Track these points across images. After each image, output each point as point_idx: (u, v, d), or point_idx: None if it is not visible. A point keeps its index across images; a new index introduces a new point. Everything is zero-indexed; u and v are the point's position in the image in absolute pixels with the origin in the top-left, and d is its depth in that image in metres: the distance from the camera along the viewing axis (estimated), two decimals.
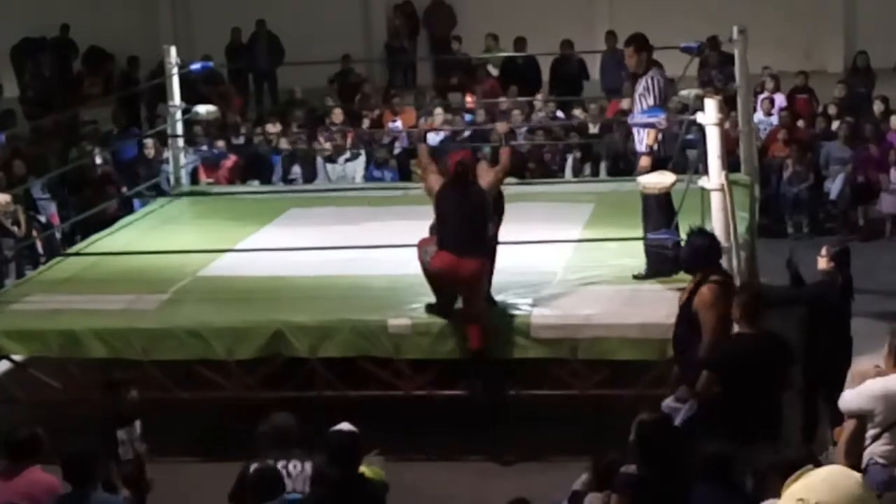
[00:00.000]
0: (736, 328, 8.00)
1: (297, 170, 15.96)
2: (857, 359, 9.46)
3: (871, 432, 7.21)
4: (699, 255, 8.35)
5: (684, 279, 9.73)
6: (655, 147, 9.88)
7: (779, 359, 7.83)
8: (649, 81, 9.88)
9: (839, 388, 9.17)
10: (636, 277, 10.05)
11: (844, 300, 9.31)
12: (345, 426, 6.73)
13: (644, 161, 9.94)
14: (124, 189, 14.99)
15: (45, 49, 21.60)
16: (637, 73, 10.11)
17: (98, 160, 15.63)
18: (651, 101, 9.84)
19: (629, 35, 10.31)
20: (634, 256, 10.17)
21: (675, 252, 9.88)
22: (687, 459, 6.63)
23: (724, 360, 7.80)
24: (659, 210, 9.91)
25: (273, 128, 17.05)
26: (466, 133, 16.37)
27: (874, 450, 7.19)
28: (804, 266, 9.64)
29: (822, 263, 9.30)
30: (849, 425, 7.34)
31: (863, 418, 7.23)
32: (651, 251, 10.00)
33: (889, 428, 7.12)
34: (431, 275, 9.42)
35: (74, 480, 6.69)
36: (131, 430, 8.10)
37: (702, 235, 8.54)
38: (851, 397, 7.33)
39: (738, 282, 9.38)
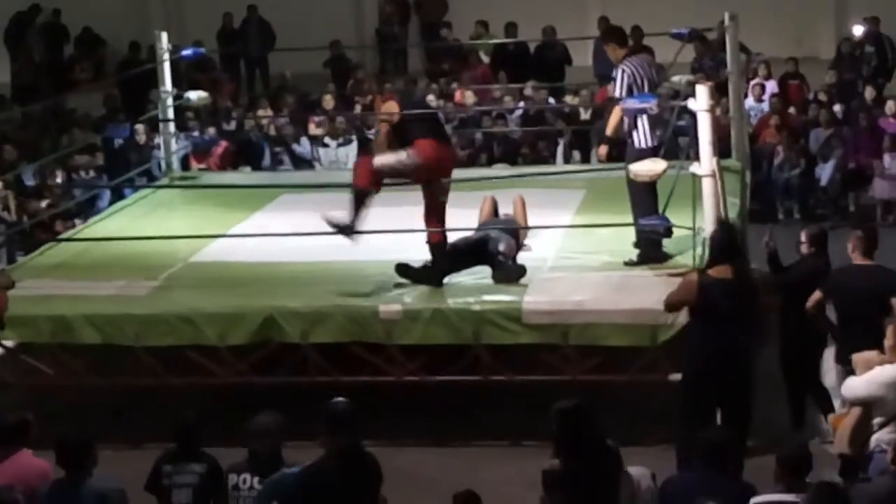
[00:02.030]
0: (856, 260, 8.80)
1: (285, 157, 16.00)
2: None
3: (877, 420, 7.22)
4: (713, 248, 8.64)
5: (676, 265, 9.80)
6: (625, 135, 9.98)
7: (887, 287, 8.52)
8: (617, 73, 9.91)
9: (817, 371, 9.29)
10: (627, 264, 10.07)
11: (823, 282, 9.38)
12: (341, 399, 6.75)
13: (602, 149, 10.23)
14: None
15: (36, 23, 21.48)
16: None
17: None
18: (617, 94, 9.88)
19: None
20: (625, 242, 10.19)
21: (666, 237, 9.96)
22: (606, 446, 6.52)
23: (836, 284, 8.73)
24: (647, 195, 9.95)
25: (265, 113, 17.05)
26: (456, 120, 16.42)
27: (881, 437, 7.21)
28: (783, 249, 9.75)
29: (804, 249, 9.39)
30: (854, 412, 7.34)
31: (869, 406, 7.25)
32: (643, 237, 10.03)
33: None
34: (416, 168, 9.60)
35: (68, 465, 6.70)
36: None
37: (720, 228, 8.79)
38: (860, 385, 7.34)
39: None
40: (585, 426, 6.52)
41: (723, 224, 8.81)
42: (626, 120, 10.01)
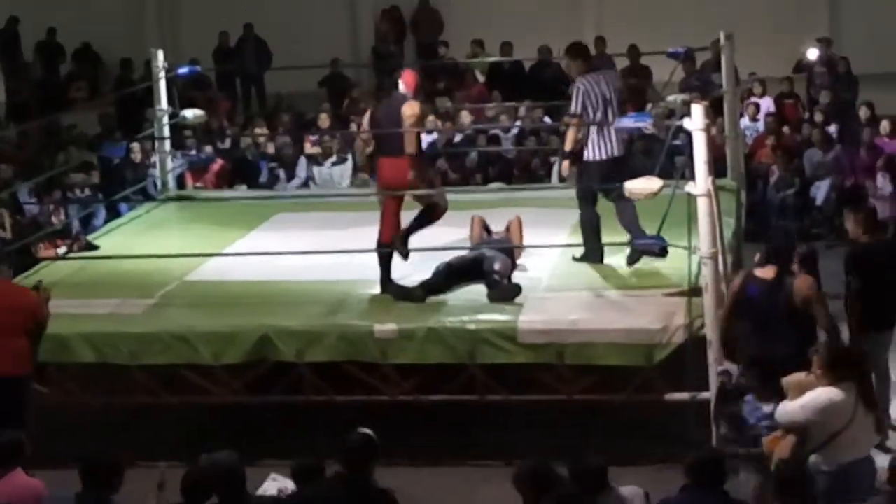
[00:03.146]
0: (862, 239, 9.40)
1: (281, 172, 16.04)
2: None
3: (816, 441, 7.26)
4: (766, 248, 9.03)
5: (671, 285, 9.80)
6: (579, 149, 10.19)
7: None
8: (573, 89, 10.19)
9: None
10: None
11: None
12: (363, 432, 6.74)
13: (565, 164, 10.43)
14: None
15: (21, 34, 21.50)
16: None
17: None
18: (573, 109, 10.11)
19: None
20: (620, 261, 10.20)
21: (662, 257, 9.97)
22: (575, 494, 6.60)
23: (858, 260, 9.22)
24: (633, 213, 10.04)
25: (261, 131, 17.08)
26: (457, 138, 16.45)
27: (818, 459, 7.24)
28: None
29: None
30: (791, 437, 7.38)
31: (803, 430, 7.30)
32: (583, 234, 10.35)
33: (833, 437, 7.19)
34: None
35: (96, 485, 6.66)
36: None
37: (774, 231, 9.14)
38: (796, 411, 7.37)
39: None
40: (551, 480, 6.64)
41: (778, 227, 9.03)
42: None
